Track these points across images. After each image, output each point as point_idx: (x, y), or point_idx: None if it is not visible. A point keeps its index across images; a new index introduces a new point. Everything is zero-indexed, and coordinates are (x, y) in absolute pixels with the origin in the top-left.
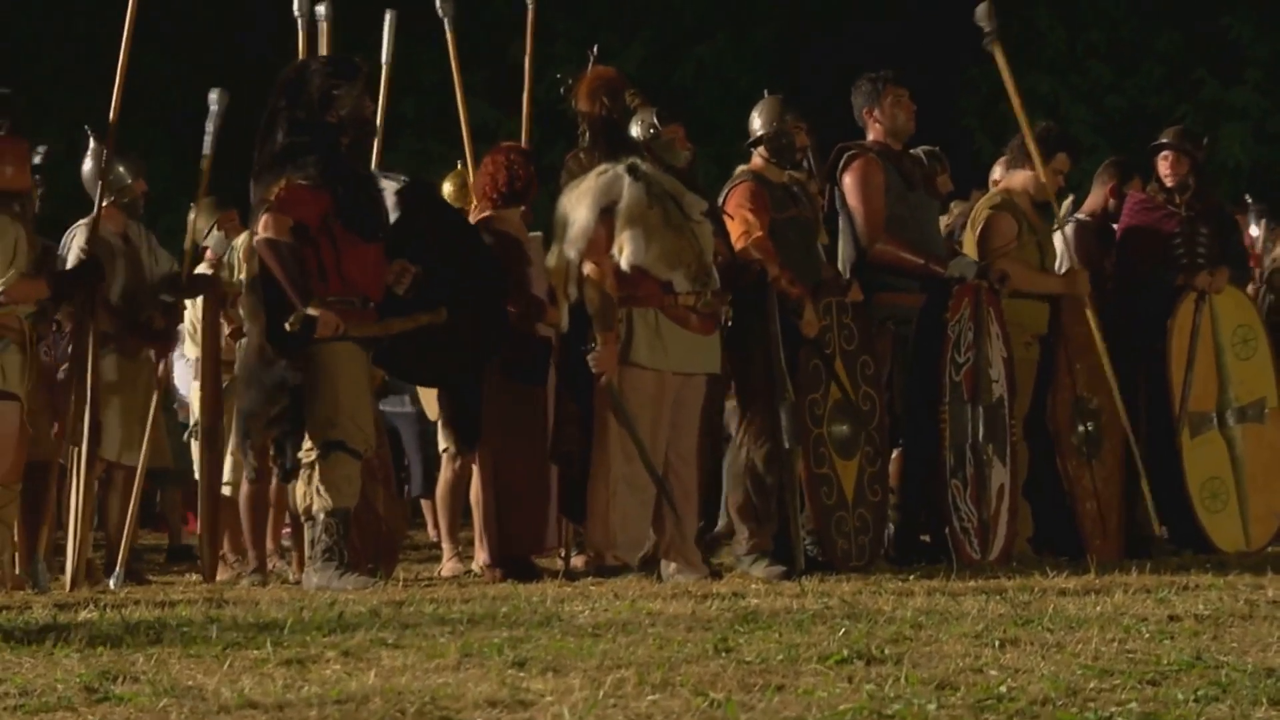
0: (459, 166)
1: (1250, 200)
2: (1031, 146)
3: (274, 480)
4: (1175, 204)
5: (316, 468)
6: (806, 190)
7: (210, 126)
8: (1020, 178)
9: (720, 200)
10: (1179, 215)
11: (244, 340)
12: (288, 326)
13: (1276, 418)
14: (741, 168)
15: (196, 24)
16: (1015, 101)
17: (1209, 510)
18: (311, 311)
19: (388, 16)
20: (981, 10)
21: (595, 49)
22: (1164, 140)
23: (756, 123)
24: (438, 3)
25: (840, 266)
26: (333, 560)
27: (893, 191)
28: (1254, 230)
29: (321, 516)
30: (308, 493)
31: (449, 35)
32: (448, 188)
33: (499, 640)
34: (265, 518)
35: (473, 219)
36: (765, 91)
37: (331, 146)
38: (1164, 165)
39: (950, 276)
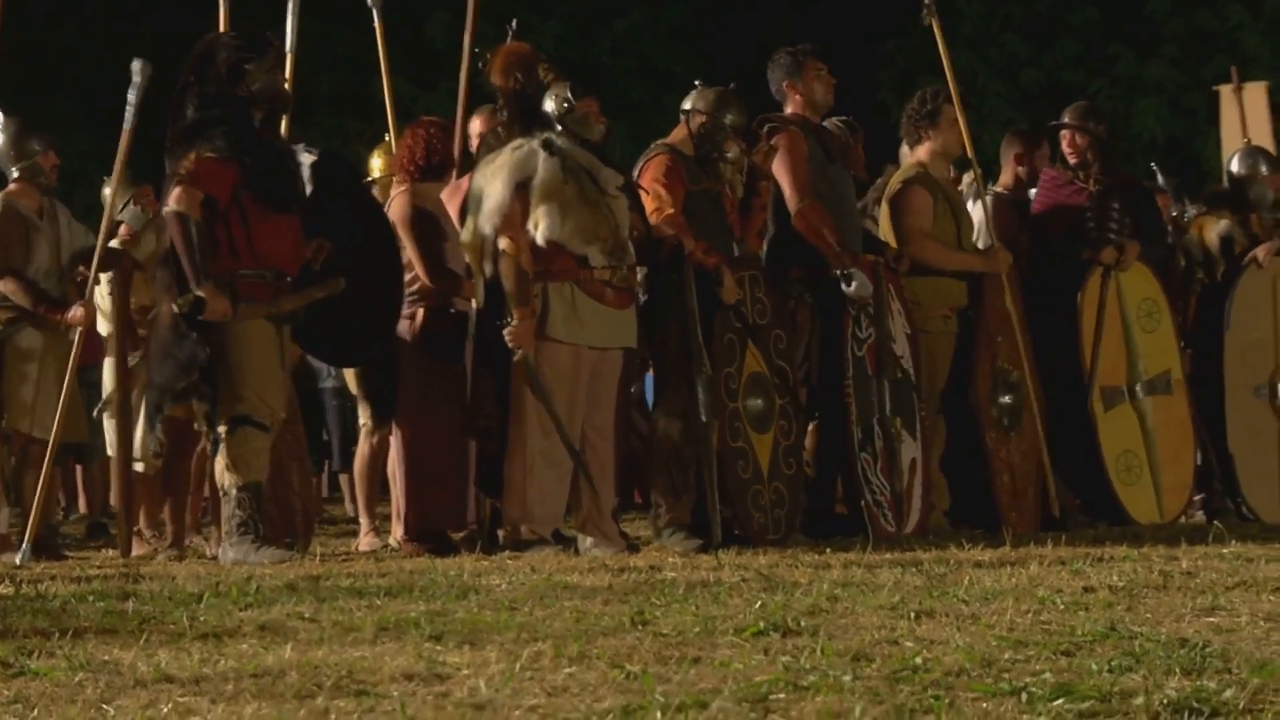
0: (386, 139)
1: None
2: (961, 120)
3: (194, 455)
4: (1082, 179)
5: (225, 443)
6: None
7: (132, 98)
8: (927, 148)
9: (635, 174)
10: (1088, 190)
11: (155, 314)
12: (175, 307)
13: (1181, 389)
14: (658, 141)
15: None
16: (950, 78)
17: (1124, 483)
18: (200, 294)
19: (290, 2)
20: None
21: (514, 24)
22: (1064, 119)
23: (700, 102)
24: None
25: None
26: (248, 534)
27: (813, 163)
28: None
29: (234, 491)
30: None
31: (377, 19)
32: (376, 161)
33: (416, 614)
34: (181, 493)
35: (393, 193)
36: (732, 85)
37: (242, 120)
38: (1065, 143)
39: (846, 292)
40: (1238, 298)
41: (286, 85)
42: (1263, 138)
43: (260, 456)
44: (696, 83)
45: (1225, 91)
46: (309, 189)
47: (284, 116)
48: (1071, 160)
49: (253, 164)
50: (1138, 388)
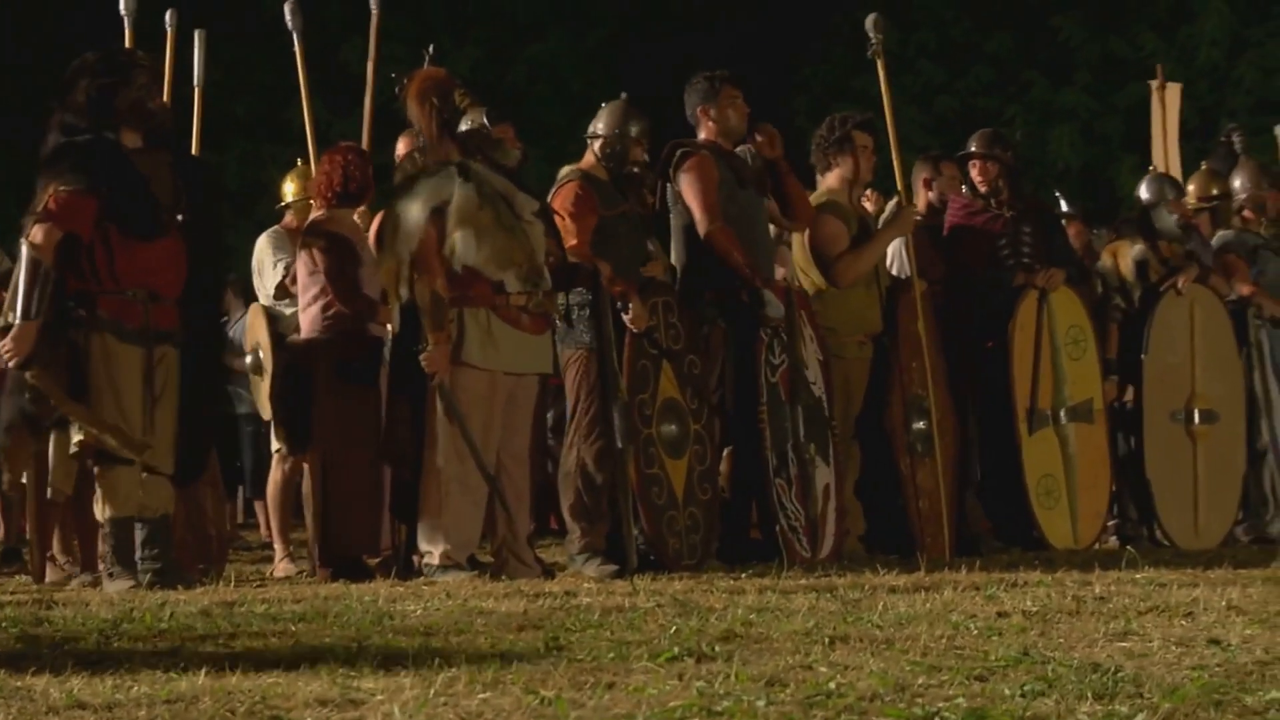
0: (300, 164)
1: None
2: (893, 147)
3: None
4: (994, 206)
5: (96, 477)
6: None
7: None
8: (838, 174)
9: (550, 199)
10: (1002, 216)
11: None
12: None
13: (1102, 418)
14: (569, 166)
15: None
16: (889, 117)
17: (1043, 507)
18: (12, 321)
19: (196, 36)
20: (870, 21)
21: (432, 49)
22: (971, 148)
23: (600, 124)
24: (287, 16)
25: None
26: (115, 566)
27: (725, 189)
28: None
29: (105, 526)
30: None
31: (297, 45)
32: (289, 186)
33: (330, 640)
34: (94, 519)
35: (311, 218)
36: (623, 94)
37: (105, 148)
38: (974, 172)
39: (762, 312)
40: (1156, 324)
41: (161, 103)
42: (1173, 138)
43: (121, 488)
44: (604, 105)
45: (1155, 90)
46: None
47: (192, 135)
48: (982, 189)
49: (113, 194)
50: (1062, 413)
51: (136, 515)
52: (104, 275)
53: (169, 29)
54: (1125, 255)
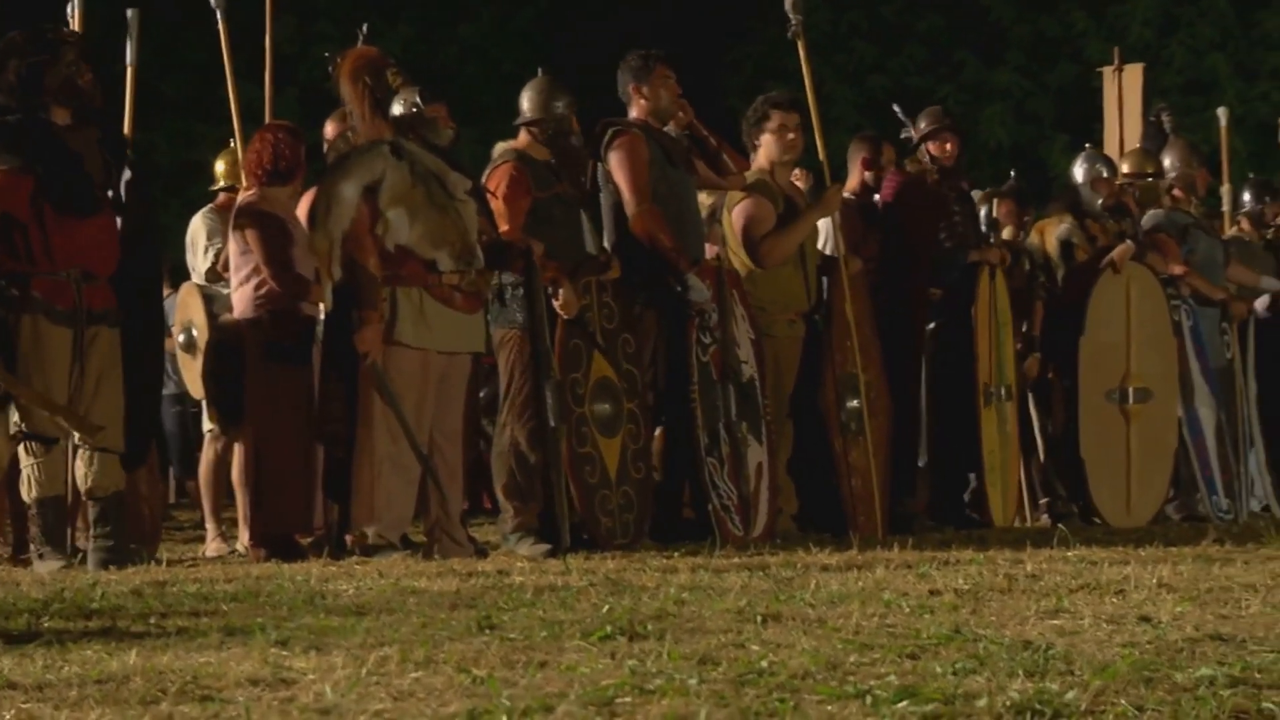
0: (230, 144)
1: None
2: (816, 127)
3: None
4: (940, 184)
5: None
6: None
7: None
8: (762, 154)
9: (484, 178)
10: (943, 195)
11: None
12: None
13: (1015, 398)
14: (504, 146)
15: None
16: (810, 97)
17: (989, 483)
18: None
19: (130, 15)
20: (790, 0)
21: (365, 28)
22: (929, 124)
23: (525, 103)
24: None
25: (604, 244)
26: (45, 547)
27: (655, 168)
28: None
29: (32, 507)
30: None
31: (221, 23)
32: (220, 166)
33: (262, 619)
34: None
35: (241, 198)
36: (539, 70)
37: (37, 126)
38: (936, 147)
39: (686, 296)
40: (1093, 303)
41: (90, 80)
42: (1133, 119)
43: (46, 471)
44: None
45: (1107, 73)
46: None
47: (124, 114)
48: (949, 163)
49: (47, 173)
50: (1001, 390)
51: (86, 494)
52: (39, 255)
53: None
54: (1051, 233)
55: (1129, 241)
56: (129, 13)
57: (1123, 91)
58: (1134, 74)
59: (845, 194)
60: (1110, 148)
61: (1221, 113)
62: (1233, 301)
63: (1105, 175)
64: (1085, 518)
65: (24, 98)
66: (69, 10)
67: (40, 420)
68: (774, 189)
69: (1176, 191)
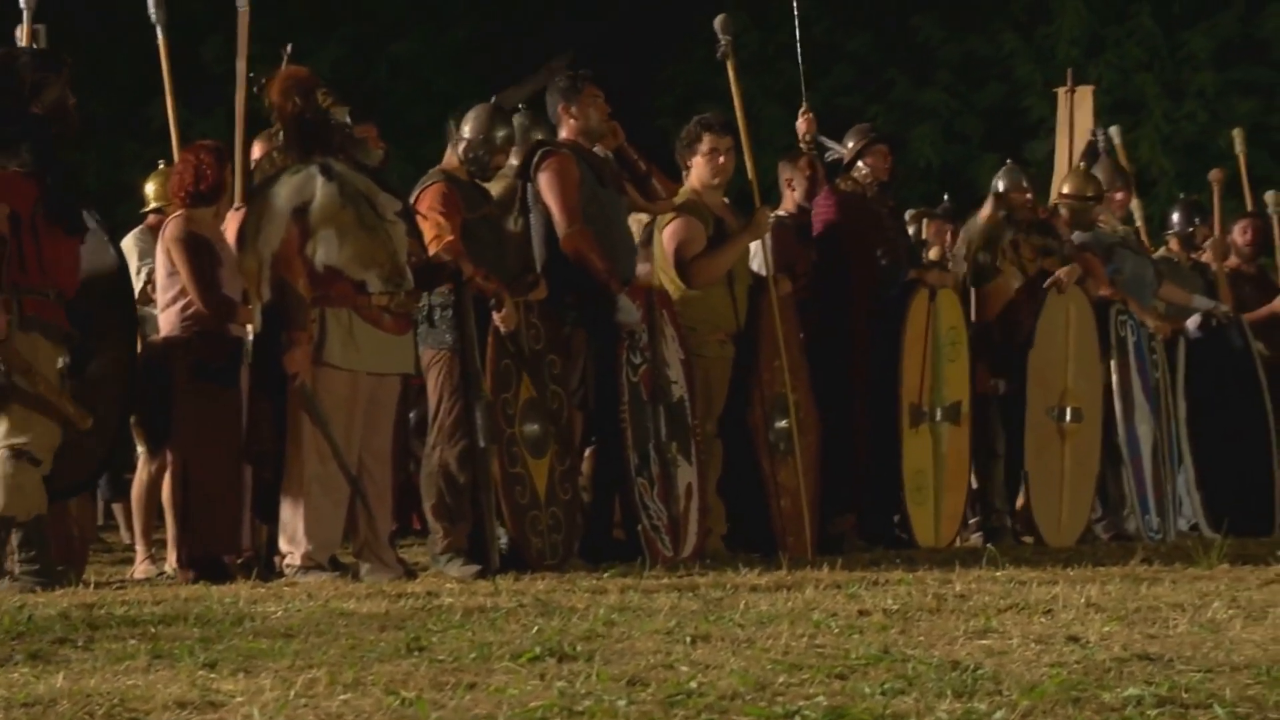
0: (161, 165)
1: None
2: (745, 148)
3: None
4: (876, 201)
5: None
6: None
7: None
8: (694, 175)
9: (413, 200)
10: (878, 213)
11: None
12: None
13: (967, 421)
14: (435, 168)
15: None
16: (740, 118)
17: (914, 503)
18: None
19: (38, 29)
20: (719, 22)
21: (289, 48)
22: (866, 140)
23: (466, 127)
24: (151, 10)
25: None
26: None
27: (585, 188)
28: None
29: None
30: None
31: (160, 40)
32: (150, 187)
33: (190, 641)
34: None
35: (168, 218)
36: (494, 98)
37: (43, 136)
38: (879, 160)
39: (616, 317)
40: (1042, 318)
41: (73, 104)
42: (1082, 139)
43: (25, 491)
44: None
45: (1061, 94)
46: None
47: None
48: (885, 177)
49: (52, 184)
50: (937, 411)
51: (4, 518)
52: (32, 265)
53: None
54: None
55: (1075, 264)
56: (37, 28)
57: (1073, 112)
58: (1084, 95)
59: (779, 213)
60: (1060, 168)
61: (1115, 131)
62: (1157, 321)
63: (1026, 187)
64: (1014, 535)
65: (28, 108)
66: (17, 31)
67: (34, 437)
68: (704, 210)
69: (1102, 213)
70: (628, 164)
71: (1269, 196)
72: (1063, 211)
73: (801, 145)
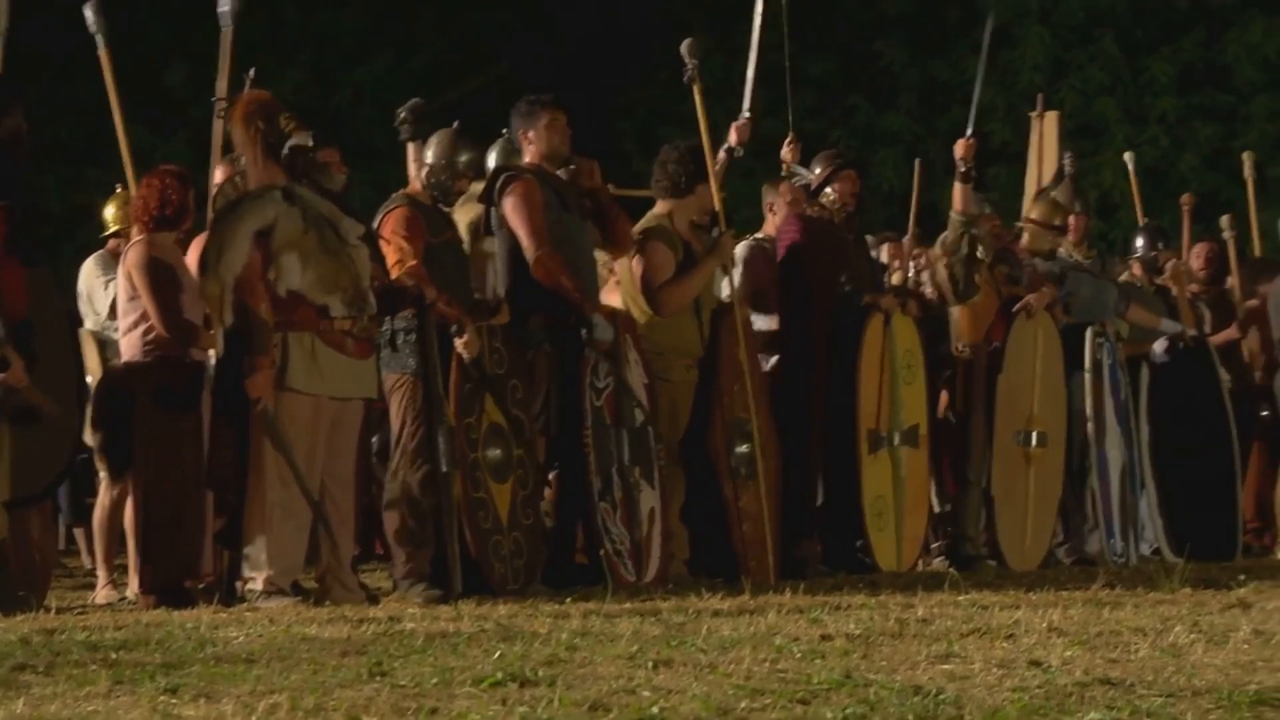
0: (120, 190)
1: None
2: (712, 176)
3: None
4: (842, 227)
5: None
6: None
7: None
8: (671, 202)
9: (376, 224)
10: (843, 238)
11: None
12: None
13: (925, 444)
14: (398, 192)
15: None
16: (705, 142)
17: (875, 529)
18: None
19: None
20: (685, 46)
21: (252, 73)
22: (838, 163)
23: (428, 151)
24: (89, 19)
25: (496, 289)
26: None
27: (550, 212)
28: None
29: None
30: None
31: (103, 52)
32: (109, 211)
33: (151, 667)
34: None
35: (130, 243)
36: (455, 123)
37: (6, 166)
38: (847, 186)
39: (591, 336)
40: (1011, 343)
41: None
42: (1050, 161)
43: None
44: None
45: (1034, 119)
46: None
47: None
48: (852, 205)
49: (17, 214)
50: (895, 435)
51: None
52: None
53: None
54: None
55: (1045, 288)
56: None
57: (1042, 137)
58: (1050, 121)
59: (759, 237)
60: (1030, 192)
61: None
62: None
63: (988, 213)
64: (978, 556)
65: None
66: None
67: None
68: (674, 236)
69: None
70: (601, 206)
71: (1223, 221)
72: (1025, 237)
73: (783, 171)
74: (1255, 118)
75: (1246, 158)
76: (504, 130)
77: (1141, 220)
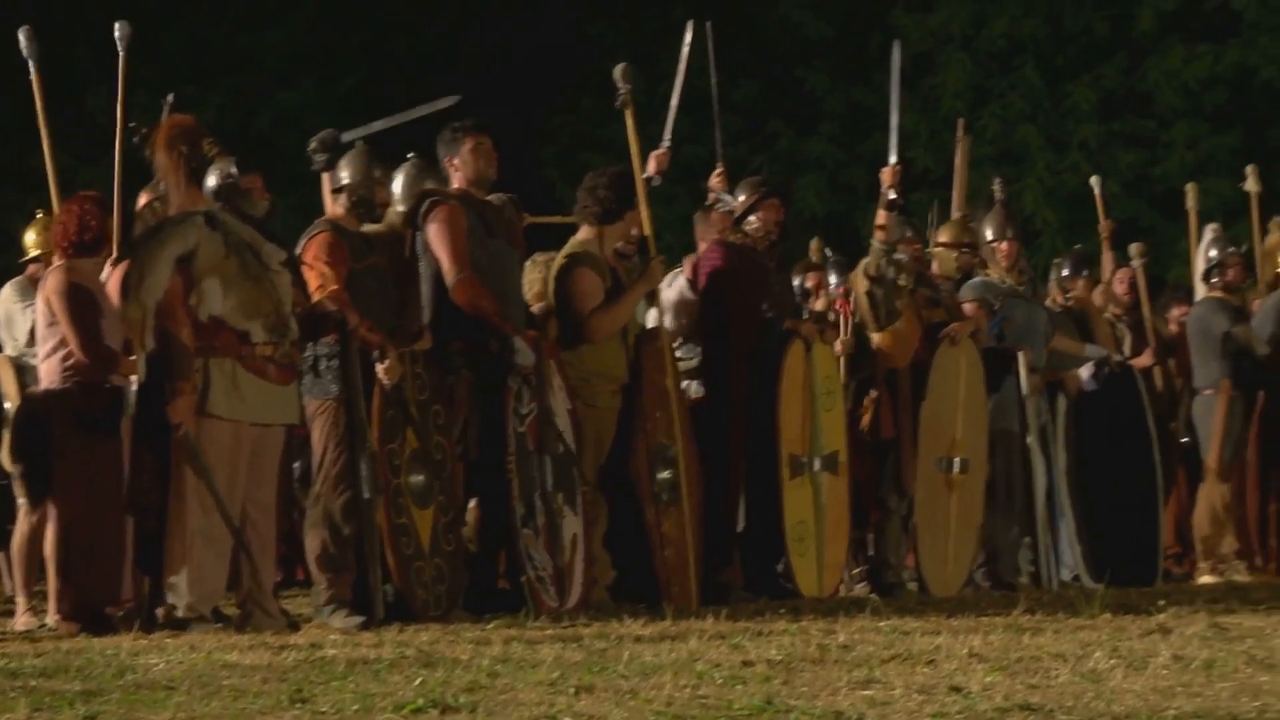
0: (40, 215)
1: (829, 253)
2: (642, 202)
3: None
4: (765, 255)
5: None
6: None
7: None
8: (598, 228)
9: (298, 250)
10: (765, 266)
11: None
12: None
13: (845, 471)
14: (320, 218)
15: None
16: (635, 168)
17: (796, 554)
18: None
19: None
20: (618, 71)
21: (171, 98)
22: (763, 191)
23: (343, 173)
24: (22, 42)
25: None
26: None
27: (475, 238)
28: (833, 280)
29: None
30: None
31: (34, 77)
32: (31, 235)
33: (71, 694)
34: None
35: (50, 268)
36: (359, 142)
37: None
38: (771, 214)
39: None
40: (935, 369)
41: None
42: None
43: None
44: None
45: (958, 138)
46: None
47: None
48: (775, 233)
49: None
50: (816, 461)
51: None
52: None
53: None
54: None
55: (970, 318)
56: None
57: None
58: (965, 145)
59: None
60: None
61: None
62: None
63: (912, 237)
64: (892, 587)
65: None
66: None
67: None
68: (601, 262)
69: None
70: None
71: (1133, 248)
72: (934, 263)
73: (710, 198)
74: (1176, 144)
75: (1191, 189)
76: (409, 155)
77: (1105, 245)
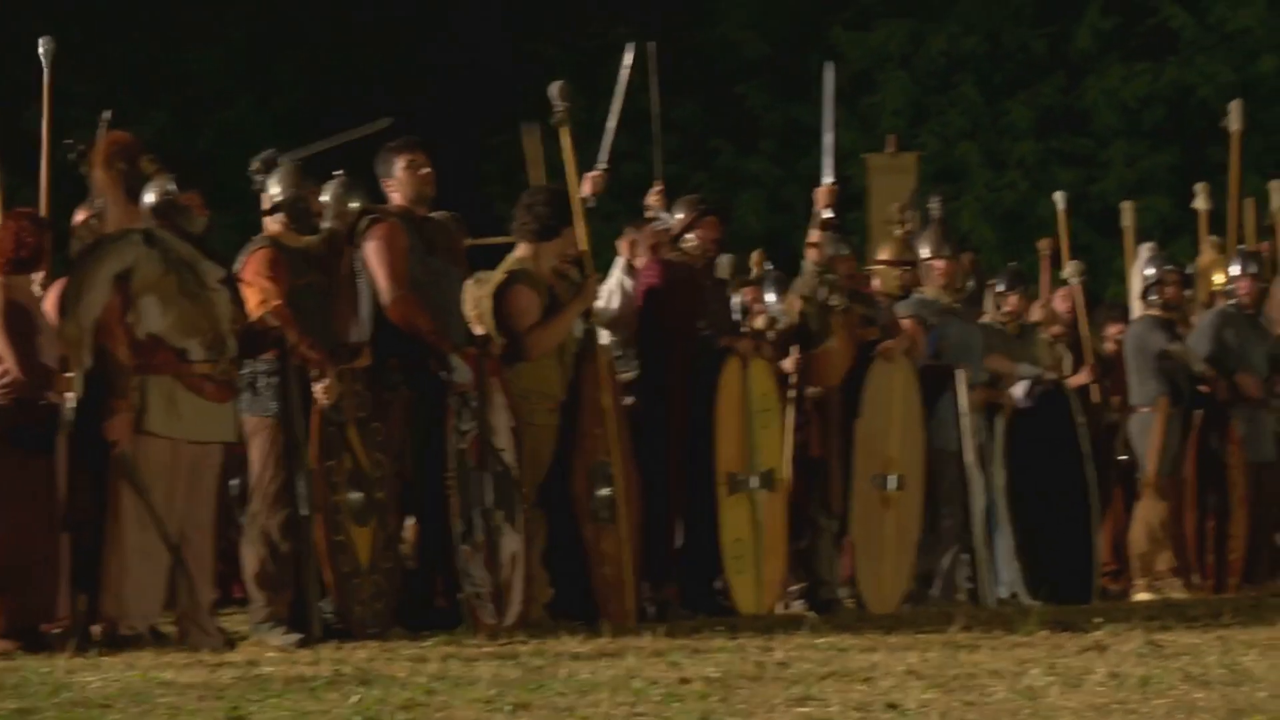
0: None
1: (769, 266)
2: (579, 222)
3: None
4: (702, 273)
5: None
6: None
7: None
8: (529, 246)
9: (238, 267)
10: (702, 284)
11: None
12: None
13: (783, 488)
14: (259, 234)
15: None
16: (571, 185)
17: (734, 571)
18: None
19: None
20: (555, 88)
21: (108, 114)
22: (701, 209)
23: (275, 188)
24: None
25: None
26: None
27: (414, 256)
28: (770, 297)
29: None
30: None
31: None
32: None
33: (5, 712)
34: None
35: None
36: (279, 158)
37: None
38: (709, 232)
39: (450, 378)
40: (869, 386)
41: None
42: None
43: None
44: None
45: (888, 155)
46: None
47: None
48: (712, 251)
49: None
50: (753, 478)
51: None
52: None
53: None
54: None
55: (904, 334)
56: None
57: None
58: (907, 160)
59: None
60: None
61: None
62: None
63: (845, 254)
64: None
65: None
66: None
67: None
68: (538, 279)
69: (926, 279)
70: None
71: (1069, 267)
72: (875, 280)
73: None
74: (1114, 162)
75: (1126, 208)
76: (336, 171)
77: (1066, 261)
